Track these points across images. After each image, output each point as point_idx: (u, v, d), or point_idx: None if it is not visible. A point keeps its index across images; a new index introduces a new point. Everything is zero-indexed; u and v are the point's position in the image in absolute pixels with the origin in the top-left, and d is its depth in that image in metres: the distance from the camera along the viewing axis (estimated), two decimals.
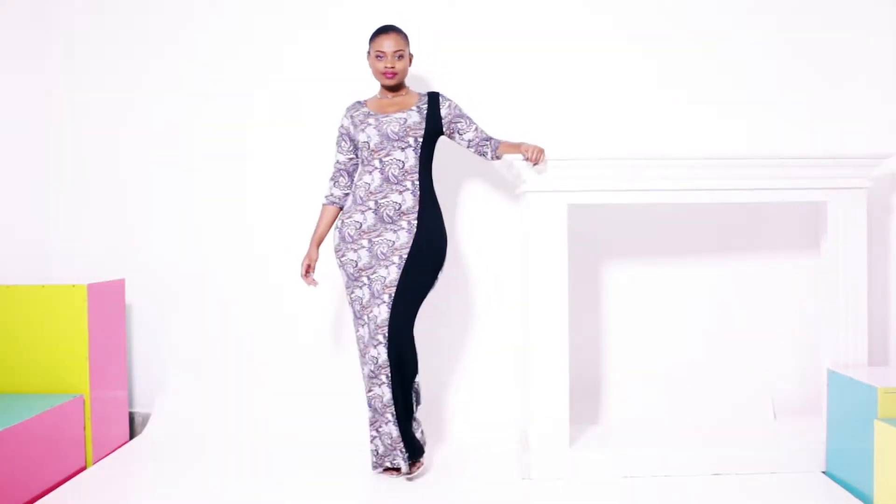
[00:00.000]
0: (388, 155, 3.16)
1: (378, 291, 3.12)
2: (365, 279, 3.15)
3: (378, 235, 3.15)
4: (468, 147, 3.28)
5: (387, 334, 3.09)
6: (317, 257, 3.32)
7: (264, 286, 3.91)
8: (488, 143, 3.26)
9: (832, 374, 3.19)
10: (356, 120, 3.24)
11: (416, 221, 3.15)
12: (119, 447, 3.63)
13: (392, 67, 3.18)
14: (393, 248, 3.13)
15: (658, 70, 3.79)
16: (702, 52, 3.79)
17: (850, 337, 3.24)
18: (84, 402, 3.34)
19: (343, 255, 3.18)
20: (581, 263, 3.67)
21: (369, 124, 3.19)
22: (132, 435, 3.86)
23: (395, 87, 3.25)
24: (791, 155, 3.22)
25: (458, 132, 3.26)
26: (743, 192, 3.24)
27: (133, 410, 3.91)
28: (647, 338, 3.80)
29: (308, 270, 3.30)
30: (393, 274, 3.12)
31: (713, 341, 3.81)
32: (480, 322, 3.86)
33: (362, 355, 3.17)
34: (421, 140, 3.18)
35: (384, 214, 3.14)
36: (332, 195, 3.31)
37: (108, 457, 3.49)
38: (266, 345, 3.92)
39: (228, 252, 3.92)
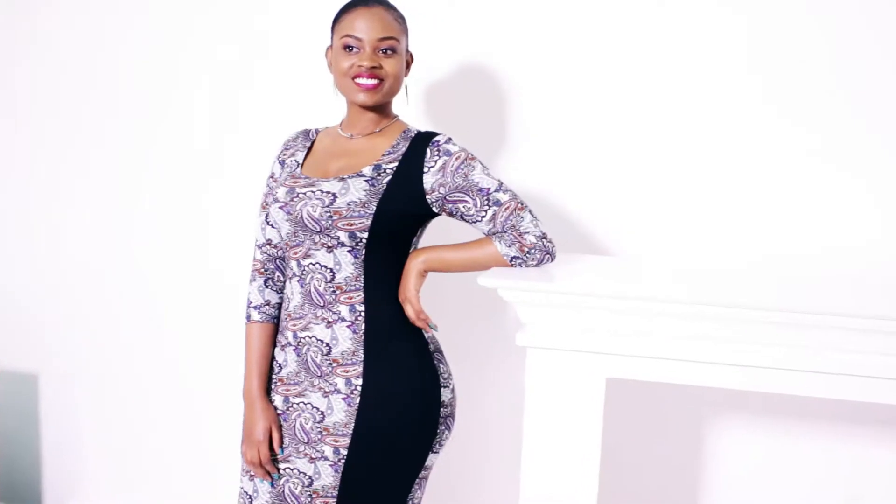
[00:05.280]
0: (306, 256, 1.79)
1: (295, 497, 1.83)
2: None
3: (299, 394, 1.83)
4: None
5: None
6: (271, 415, 1.85)
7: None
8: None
9: None
10: (280, 175, 1.90)
11: (359, 381, 1.77)
12: None
13: (373, 67, 1.73)
14: (322, 427, 1.80)
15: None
16: None
17: None
18: None
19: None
20: None
21: (281, 192, 1.82)
22: None
23: (375, 107, 1.80)
24: None
25: (461, 215, 1.77)
26: None
27: None
28: None
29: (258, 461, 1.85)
30: (326, 477, 1.80)
31: None
32: None
33: None
34: (366, 233, 1.73)
35: (308, 359, 1.81)
36: (257, 304, 1.91)
37: None
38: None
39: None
